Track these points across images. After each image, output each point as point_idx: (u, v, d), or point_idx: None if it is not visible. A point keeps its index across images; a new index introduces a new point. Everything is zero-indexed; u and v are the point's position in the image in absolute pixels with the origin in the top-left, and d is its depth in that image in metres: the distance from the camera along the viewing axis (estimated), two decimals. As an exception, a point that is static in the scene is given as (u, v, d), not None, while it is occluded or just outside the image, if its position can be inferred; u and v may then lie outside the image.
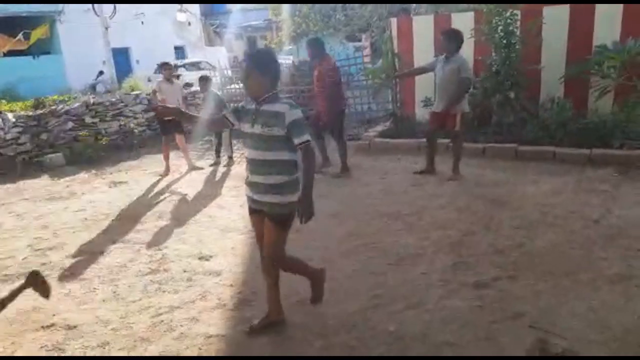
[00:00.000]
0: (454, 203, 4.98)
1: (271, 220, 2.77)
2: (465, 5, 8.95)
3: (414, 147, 7.06)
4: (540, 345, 2.66)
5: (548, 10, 6.86)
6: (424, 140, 6.15)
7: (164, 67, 7.33)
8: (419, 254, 3.87)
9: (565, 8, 6.83)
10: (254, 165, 2.78)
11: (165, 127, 7.18)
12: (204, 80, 7.49)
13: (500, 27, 6.70)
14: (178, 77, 18.23)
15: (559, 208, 4.63)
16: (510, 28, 6.69)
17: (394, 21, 8.30)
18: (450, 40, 5.48)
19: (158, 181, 6.86)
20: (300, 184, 2.73)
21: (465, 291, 3.27)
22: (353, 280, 3.53)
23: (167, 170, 7.16)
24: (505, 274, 3.45)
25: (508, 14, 6.69)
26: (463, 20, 7.26)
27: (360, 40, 15.74)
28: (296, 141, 2.67)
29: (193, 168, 7.31)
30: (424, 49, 7.74)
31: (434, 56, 6.53)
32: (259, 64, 2.74)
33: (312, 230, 4.49)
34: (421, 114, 7.86)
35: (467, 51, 6.21)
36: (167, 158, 7.18)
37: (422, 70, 6.14)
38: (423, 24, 7.98)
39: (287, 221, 2.79)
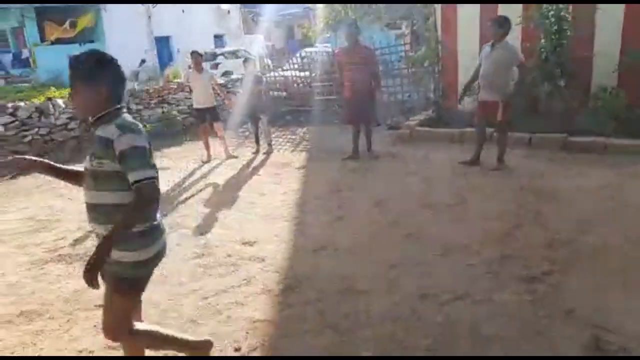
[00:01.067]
0: (500, 194, 4.86)
1: (106, 281, 2.14)
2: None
3: (456, 137, 6.93)
4: (594, 342, 2.57)
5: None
6: (468, 129, 5.99)
7: (192, 56, 7.24)
8: (465, 246, 3.80)
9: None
10: (88, 211, 2.12)
11: (201, 115, 7.32)
12: (246, 62, 8.09)
13: (551, 12, 6.44)
14: (217, 65, 18.50)
15: (612, 201, 4.45)
16: (562, 13, 6.42)
17: (438, 8, 8.10)
18: (498, 26, 5.31)
19: (200, 167, 6.98)
20: (152, 237, 2.11)
21: (514, 284, 3.19)
22: (398, 271, 3.49)
23: (209, 157, 7.28)
24: (556, 269, 3.34)
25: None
26: (511, 7, 7.00)
27: (400, 28, 15.49)
28: (131, 178, 1.95)
29: (229, 157, 7.39)
30: (468, 37, 7.55)
31: (478, 47, 6.33)
32: (83, 71, 2.04)
33: (355, 220, 4.51)
34: (463, 102, 7.66)
35: (514, 38, 5.99)
36: (207, 145, 7.29)
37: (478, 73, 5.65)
38: (469, 11, 7.75)
39: (127, 286, 2.14)
